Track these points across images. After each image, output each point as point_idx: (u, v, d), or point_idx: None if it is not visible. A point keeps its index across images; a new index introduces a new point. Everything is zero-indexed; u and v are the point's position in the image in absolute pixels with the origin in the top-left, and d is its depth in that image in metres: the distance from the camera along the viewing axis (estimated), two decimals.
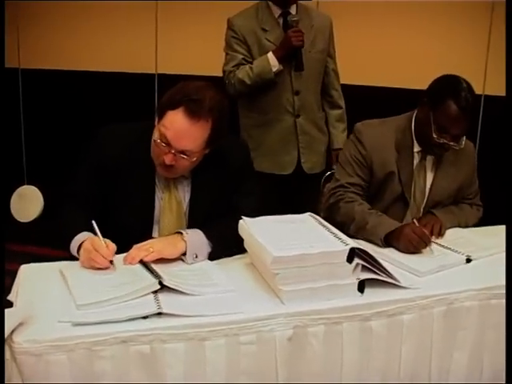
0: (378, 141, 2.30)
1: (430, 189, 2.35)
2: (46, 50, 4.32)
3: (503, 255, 2.01)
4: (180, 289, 1.65)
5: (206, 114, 1.84)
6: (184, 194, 2.03)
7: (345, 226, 2.14)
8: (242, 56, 2.90)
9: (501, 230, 2.22)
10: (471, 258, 2.01)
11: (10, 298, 1.71)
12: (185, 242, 1.87)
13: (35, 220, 4.53)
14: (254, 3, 2.98)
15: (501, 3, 3.51)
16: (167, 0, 4.08)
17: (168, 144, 1.85)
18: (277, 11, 2.92)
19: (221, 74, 2.96)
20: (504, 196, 2.21)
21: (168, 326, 1.52)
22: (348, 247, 1.67)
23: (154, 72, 4.24)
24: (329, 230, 1.81)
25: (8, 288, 1.76)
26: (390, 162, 2.29)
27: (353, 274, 1.69)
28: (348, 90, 3.23)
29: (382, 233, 2.08)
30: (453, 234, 2.24)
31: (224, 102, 1.92)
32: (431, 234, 2.15)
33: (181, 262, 1.88)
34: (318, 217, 1.95)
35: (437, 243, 2.13)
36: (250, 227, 1.82)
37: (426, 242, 2.03)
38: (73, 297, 1.61)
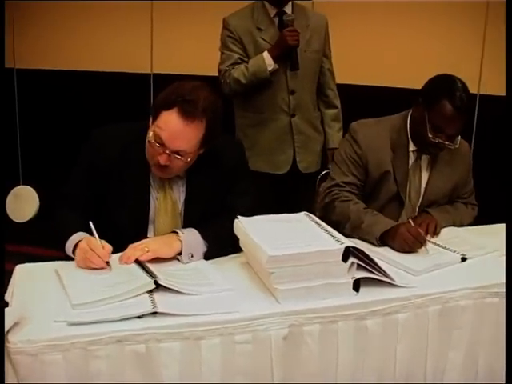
0: (373, 140, 2.30)
1: (425, 188, 2.35)
2: (43, 51, 4.32)
3: (498, 254, 2.02)
4: (176, 288, 1.65)
5: (200, 115, 1.84)
6: (179, 194, 2.03)
7: (340, 225, 2.14)
8: (237, 55, 2.90)
9: (496, 228, 2.24)
10: (466, 256, 2.01)
11: (5, 297, 1.71)
12: (180, 241, 1.87)
13: (31, 220, 4.52)
14: (249, 3, 2.98)
15: (496, 3, 3.52)
16: (162, 0, 4.08)
17: (162, 144, 1.85)
18: (272, 11, 2.92)
19: (216, 74, 2.97)
20: (500, 195, 2.21)
21: (163, 325, 1.52)
22: (343, 246, 1.67)
23: (149, 72, 4.24)
24: (324, 229, 1.81)
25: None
26: (385, 162, 2.30)
27: (348, 272, 1.70)
28: (344, 89, 3.23)
29: (378, 232, 2.08)
30: (448, 233, 2.24)
31: (218, 103, 1.92)
32: (426, 233, 2.16)
33: (176, 261, 1.88)
34: (313, 216, 1.95)
35: (432, 242, 2.13)
36: (246, 226, 1.82)
37: (421, 242, 2.03)
38: (68, 296, 1.61)
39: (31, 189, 4.56)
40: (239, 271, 1.87)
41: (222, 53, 2.95)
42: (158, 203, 2.01)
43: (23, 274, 1.80)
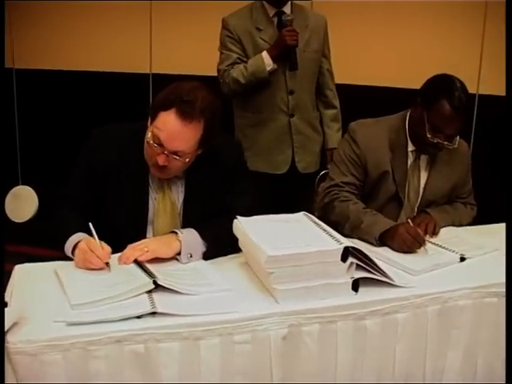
0: (372, 140, 2.30)
1: (424, 188, 2.35)
2: (42, 51, 4.31)
3: (497, 254, 2.02)
4: (175, 288, 1.65)
5: (199, 115, 1.84)
6: (178, 194, 2.03)
7: (339, 225, 2.14)
8: (236, 55, 2.90)
9: (494, 228, 2.24)
10: (465, 256, 2.01)
11: (5, 298, 1.71)
12: (179, 241, 1.87)
13: (30, 220, 4.52)
14: (248, 3, 2.99)
15: (495, 3, 3.52)
16: (161, 0, 4.08)
17: (161, 145, 1.85)
18: (271, 11, 2.92)
19: (215, 74, 2.97)
20: (499, 195, 2.22)
21: (162, 325, 1.52)
22: (342, 246, 1.67)
23: (148, 72, 4.24)
24: (323, 229, 1.81)
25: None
26: (384, 162, 2.30)
27: (347, 272, 1.70)
28: (343, 89, 3.23)
29: (377, 232, 2.08)
30: (447, 233, 2.24)
31: (216, 103, 1.92)
32: (425, 232, 2.16)
33: (175, 261, 1.88)
34: (312, 216, 1.95)
35: (431, 242, 2.13)
36: (245, 226, 1.82)
37: (420, 242, 2.03)
38: (67, 297, 1.61)
39: (30, 189, 4.56)
40: (238, 271, 1.87)
41: (221, 53, 2.95)
42: (156, 204, 2.01)
43: (22, 274, 1.80)
